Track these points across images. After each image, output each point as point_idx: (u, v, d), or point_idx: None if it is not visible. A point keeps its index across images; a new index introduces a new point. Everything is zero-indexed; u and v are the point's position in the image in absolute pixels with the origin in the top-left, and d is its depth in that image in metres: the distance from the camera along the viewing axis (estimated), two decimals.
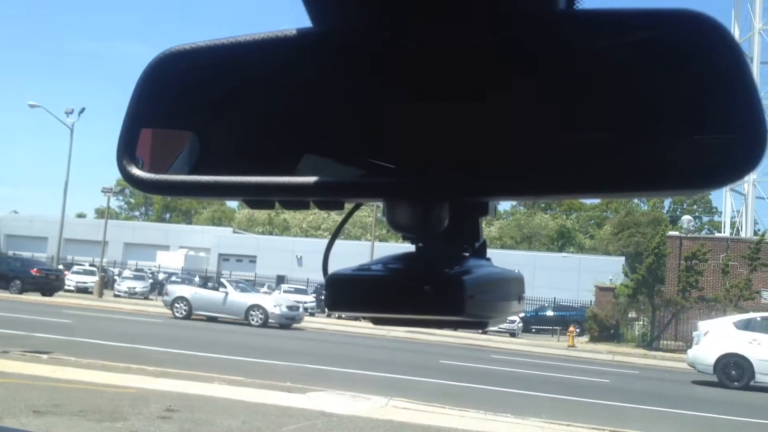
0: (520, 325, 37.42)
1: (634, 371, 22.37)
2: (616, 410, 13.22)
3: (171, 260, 60.65)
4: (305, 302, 42.31)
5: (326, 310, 0.85)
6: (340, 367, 16.19)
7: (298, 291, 44.69)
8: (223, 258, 65.60)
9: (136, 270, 52.97)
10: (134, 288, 45.78)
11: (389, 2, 0.71)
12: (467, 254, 0.85)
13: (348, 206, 0.86)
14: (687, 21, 0.67)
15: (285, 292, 43.80)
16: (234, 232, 72.21)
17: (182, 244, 66.99)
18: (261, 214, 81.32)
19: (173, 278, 48.53)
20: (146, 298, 44.76)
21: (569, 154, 0.72)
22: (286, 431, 9.00)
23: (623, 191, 0.70)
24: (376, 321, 0.81)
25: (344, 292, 0.79)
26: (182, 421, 9.12)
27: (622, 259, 55.84)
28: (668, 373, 22.57)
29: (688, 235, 40.45)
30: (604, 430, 10.58)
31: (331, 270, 0.82)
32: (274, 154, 0.81)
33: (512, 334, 35.13)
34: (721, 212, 72.07)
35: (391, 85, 0.76)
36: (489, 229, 67.68)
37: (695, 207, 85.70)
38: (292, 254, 62.27)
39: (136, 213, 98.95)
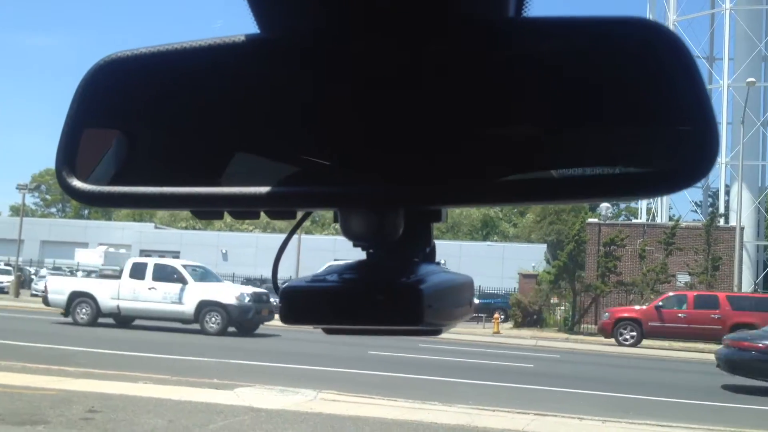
0: None
1: (556, 355, 22.92)
2: (540, 393, 13.52)
3: (90, 257, 59.01)
4: None
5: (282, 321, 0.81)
6: (270, 362, 16.08)
7: None
8: (145, 254, 64.07)
9: (54, 269, 51.37)
10: None
11: (336, 10, 0.71)
12: (418, 260, 0.84)
13: (299, 213, 0.86)
14: (633, 25, 0.68)
15: None
16: (156, 227, 70.71)
17: (102, 240, 65.27)
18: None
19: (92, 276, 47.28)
20: None
21: (527, 157, 0.72)
22: (214, 428, 8.90)
23: (580, 196, 0.71)
24: (331, 331, 0.81)
25: (299, 305, 0.77)
26: (105, 422, 8.91)
27: (544, 246, 57.04)
28: (589, 356, 23.19)
29: (607, 222, 41.58)
30: (528, 413, 10.81)
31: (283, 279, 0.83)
32: (222, 162, 0.79)
33: None
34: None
35: (341, 89, 0.75)
36: None
37: None
38: (216, 249, 61.41)
39: (53, 210, 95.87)
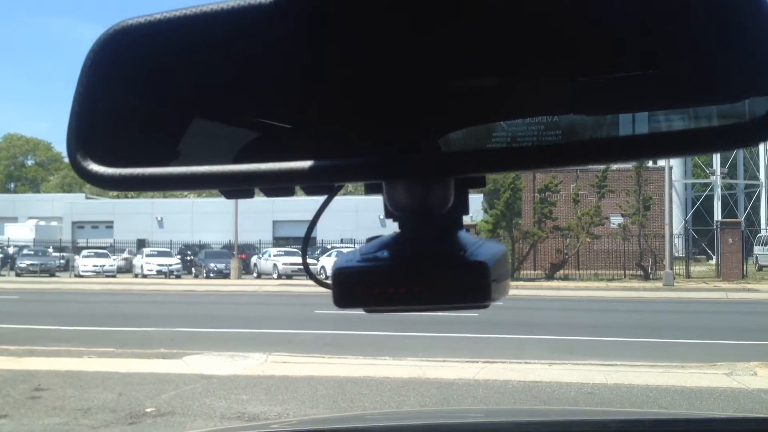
0: None
1: (499, 303, 23.32)
2: (487, 341, 13.78)
3: (20, 232, 57.36)
4: (170, 264, 41.32)
5: (336, 305, 0.74)
6: (215, 327, 15.99)
7: (161, 254, 43.50)
8: (78, 226, 62.66)
9: None
10: None
11: None
12: (459, 231, 0.79)
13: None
14: None
15: (148, 255, 42.53)
16: (87, 197, 68.98)
17: (32, 214, 63.43)
18: None
19: (25, 251, 46.09)
20: None
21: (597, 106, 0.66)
22: (166, 398, 8.83)
23: (667, 152, 0.64)
24: (376, 310, 0.75)
25: (356, 287, 0.72)
26: (54, 399, 8.75)
27: (481, 196, 57.76)
28: (531, 301, 23.70)
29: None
30: (477, 361, 11.02)
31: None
32: (252, 136, 0.73)
33: None
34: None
35: (383, 48, 0.68)
36: None
37: None
38: (151, 217, 60.31)
39: None
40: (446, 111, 0.69)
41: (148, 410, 8.22)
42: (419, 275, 0.71)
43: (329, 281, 0.75)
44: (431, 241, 0.74)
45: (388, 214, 0.77)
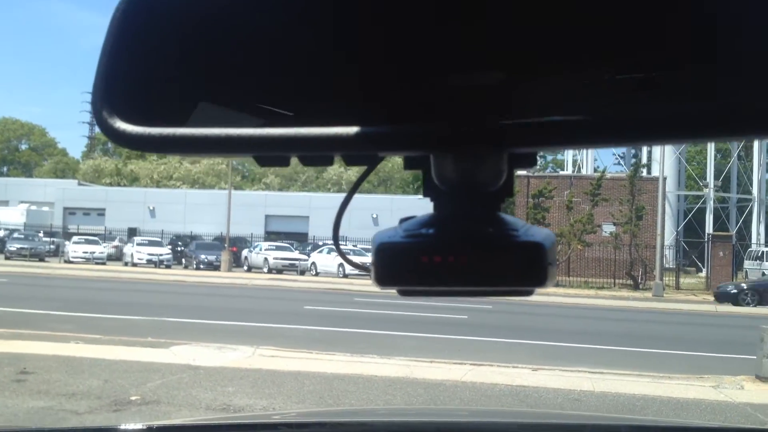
0: None
1: (488, 306, 23.36)
2: (476, 344, 13.79)
3: (11, 216, 57.09)
4: (161, 254, 41.20)
5: (377, 285, 0.69)
6: (204, 319, 15.94)
7: (152, 243, 43.36)
8: (69, 212, 62.42)
9: None
10: None
11: None
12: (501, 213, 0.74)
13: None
14: None
15: (139, 244, 42.41)
16: (79, 184, 68.78)
17: (23, 198, 63.14)
18: (108, 164, 77.79)
19: (15, 234, 45.90)
20: None
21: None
22: (152, 387, 8.80)
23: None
24: (411, 293, 0.70)
25: (403, 265, 0.66)
26: (39, 383, 8.71)
27: None
28: (521, 306, 23.71)
29: (535, 174, 42.29)
30: (465, 363, 11.01)
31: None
32: (293, 98, 0.66)
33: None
34: (564, 151, 75.78)
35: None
36: (348, 173, 68.05)
37: None
38: (143, 206, 60.12)
39: None
40: (507, 82, 0.62)
41: (133, 398, 8.19)
42: (471, 252, 0.66)
43: (365, 262, 0.72)
44: (479, 219, 0.70)
45: (429, 192, 0.72)
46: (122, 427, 2.04)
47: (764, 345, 10.39)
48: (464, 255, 0.65)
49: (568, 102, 0.62)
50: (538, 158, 0.72)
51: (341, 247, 0.97)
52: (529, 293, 0.70)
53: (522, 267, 0.65)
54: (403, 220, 0.73)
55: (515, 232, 0.67)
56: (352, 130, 0.60)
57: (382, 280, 0.67)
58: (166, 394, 8.48)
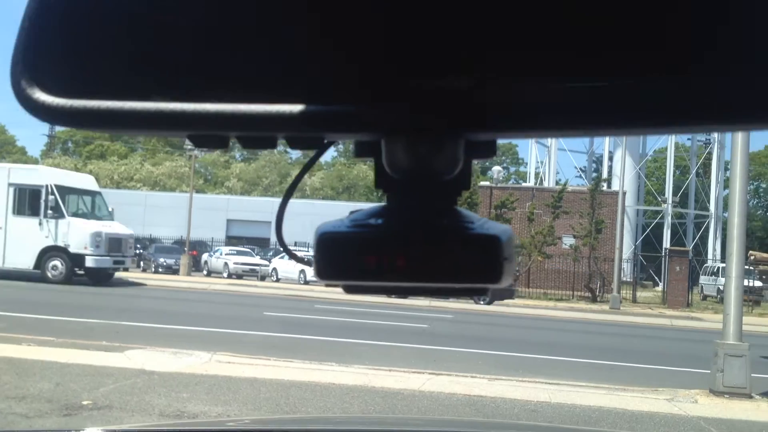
0: None
1: (449, 315, 23.42)
2: (435, 353, 13.78)
3: None
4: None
5: (317, 278, 0.64)
6: (161, 323, 15.72)
7: None
8: None
9: None
10: None
11: None
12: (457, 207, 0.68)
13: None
14: None
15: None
16: None
17: None
18: (67, 163, 76.55)
19: None
20: None
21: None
22: (104, 392, 8.63)
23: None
24: (356, 290, 0.65)
25: (345, 256, 0.61)
26: None
27: None
28: (480, 316, 23.82)
29: (498, 185, 42.61)
30: (423, 372, 11.00)
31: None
32: (236, 69, 0.57)
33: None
34: (527, 163, 76.57)
35: None
36: (311, 179, 67.84)
37: (503, 158, 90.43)
38: None
39: None
40: (476, 56, 0.54)
41: (85, 403, 8.02)
42: (422, 245, 0.61)
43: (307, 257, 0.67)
44: (433, 211, 0.65)
45: (381, 183, 0.67)
46: None
47: (718, 359, 10.53)
48: (413, 248, 0.61)
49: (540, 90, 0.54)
50: (497, 148, 0.66)
51: (292, 249, 0.91)
52: (483, 292, 0.65)
53: (475, 262, 0.61)
54: (353, 212, 0.68)
55: (470, 225, 0.63)
56: (296, 108, 0.55)
57: (323, 272, 0.62)
58: (119, 399, 8.32)
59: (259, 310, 20.18)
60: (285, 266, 38.14)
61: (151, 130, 0.58)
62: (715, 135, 60.18)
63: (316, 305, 23.60)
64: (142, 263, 42.21)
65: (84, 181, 28.76)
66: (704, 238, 61.73)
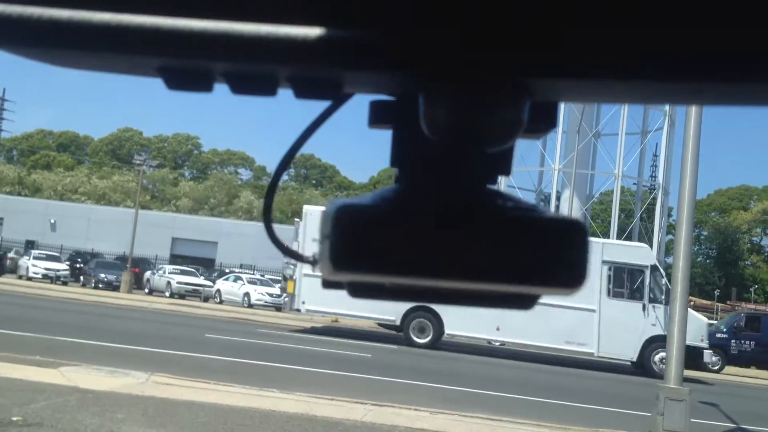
0: (287, 299, 37.19)
1: (393, 346, 23.27)
2: (378, 384, 13.65)
3: None
4: (58, 270, 39.61)
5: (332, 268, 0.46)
6: (99, 340, 15.26)
7: (50, 258, 41.64)
8: None
9: None
10: None
11: None
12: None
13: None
14: None
15: (36, 258, 40.66)
16: None
17: None
18: (10, 171, 74.65)
19: None
20: None
21: None
22: (35, 408, 8.29)
23: None
24: (399, 296, 0.50)
25: (375, 237, 0.46)
26: None
27: None
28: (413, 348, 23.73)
29: None
30: (366, 403, 10.86)
31: None
32: None
33: (278, 308, 35.16)
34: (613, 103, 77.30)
35: None
36: (259, 201, 67.27)
37: None
38: (45, 218, 57.89)
39: None
40: None
41: (15, 419, 7.69)
42: (484, 233, 0.47)
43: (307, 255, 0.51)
44: (483, 188, 0.51)
45: (398, 160, 0.52)
46: None
47: (659, 402, 10.62)
48: (471, 233, 0.47)
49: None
50: (557, 117, 0.53)
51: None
52: (567, 293, 0.48)
53: (556, 256, 0.47)
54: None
55: (536, 210, 0.49)
56: (311, 31, 0.41)
57: (344, 260, 0.46)
58: (51, 416, 8.00)
59: (201, 331, 19.78)
60: (229, 288, 37.58)
61: (104, 54, 0.42)
62: (660, 180, 61.71)
63: (258, 329, 23.26)
64: (82, 278, 41.25)
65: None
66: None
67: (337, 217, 0.46)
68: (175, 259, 52.16)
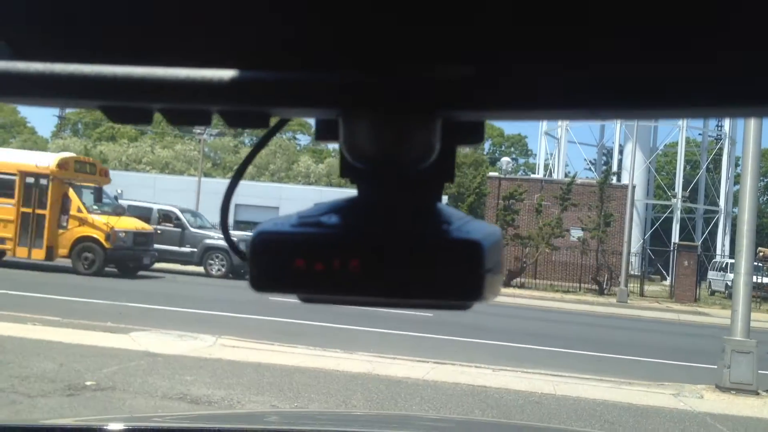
0: None
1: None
2: (440, 342, 13.74)
3: None
4: None
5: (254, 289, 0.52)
6: (168, 305, 15.71)
7: None
8: None
9: None
10: None
11: None
12: (438, 203, 0.56)
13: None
14: None
15: None
16: None
17: None
18: (77, 145, 76.67)
19: None
20: None
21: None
22: (108, 372, 8.62)
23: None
24: (313, 300, 0.54)
25: (276, 265, 0.50)
26: None
27: (446, 198, 58.01)
28: (487, 307, 23.74)
29: (507, 176, 42.43)
30: (428, 362, 10.96)
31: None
32: (162, 28, 0.45)
33: None
34: (536, 154, 76.29)
35: None
36: (318, 167, 67.75)
37: (512, 150, 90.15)
38: (112, 188, 59.28)
39: None
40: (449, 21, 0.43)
41: (88, 383, 8.01)
42: (386, 255, 0.49)
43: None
44: (401, 207, 0.53)
45: (347, 171, 0.55)
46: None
47: (725, 355, 10.45)
48: (361, 256, 0.49)
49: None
50: (484, 132, 0.53)
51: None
52: (462, 307, 0.53)
53: (448, 274, 0.49)
54: (317, 205, 0.56)
55: (446, 227, 0.51)
56: (228, 75, 0.43)
57: (257, 282, 0.51)
58: (123, 380, 8.31)
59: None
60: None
61: (50, 98, 0.46)
62: (726, 130, 59.86)
63: None
64: None
65: None
66: (713, 234, 61.42)
67: (252, 242, 0.51)
68: (239, 225, 53.01)
